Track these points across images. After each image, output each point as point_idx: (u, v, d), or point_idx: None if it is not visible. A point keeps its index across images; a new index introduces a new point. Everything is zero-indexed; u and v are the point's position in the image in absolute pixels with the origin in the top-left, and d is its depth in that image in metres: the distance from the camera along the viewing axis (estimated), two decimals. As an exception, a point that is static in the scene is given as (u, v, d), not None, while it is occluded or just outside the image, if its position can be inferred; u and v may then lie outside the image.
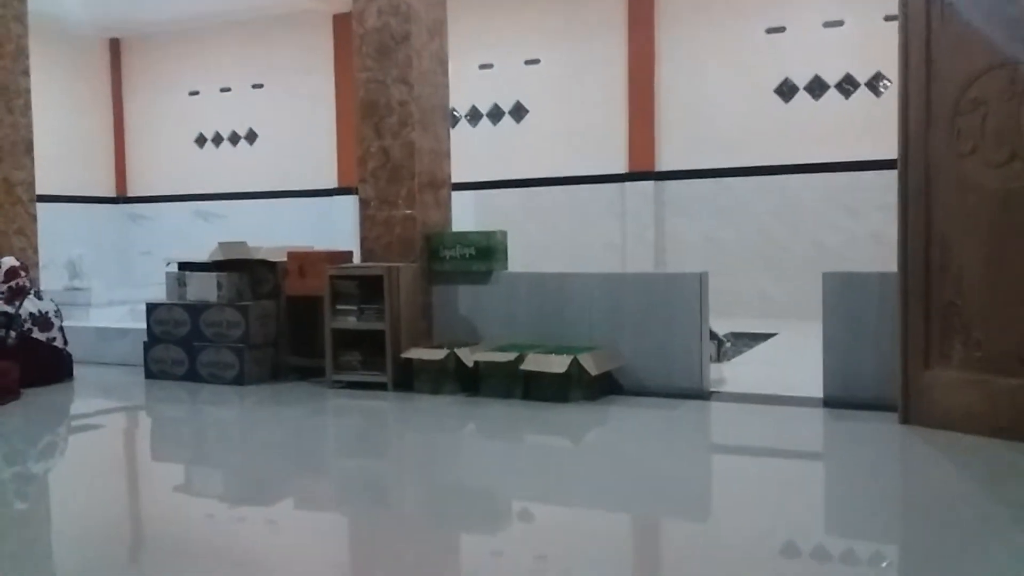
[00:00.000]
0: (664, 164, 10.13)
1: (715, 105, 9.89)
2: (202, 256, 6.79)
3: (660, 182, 10.10)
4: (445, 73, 6.51)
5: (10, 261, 6.67)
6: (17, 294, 6.46)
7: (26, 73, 7.79)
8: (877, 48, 9.06)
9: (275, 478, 4.25)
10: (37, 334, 6.40)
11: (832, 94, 9.45)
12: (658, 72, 10.12)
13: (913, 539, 3.26)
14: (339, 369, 6.12)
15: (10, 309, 6.38)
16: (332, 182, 11.88)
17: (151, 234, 13.01)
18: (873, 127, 8.97)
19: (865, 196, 9.10)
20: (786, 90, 9.62)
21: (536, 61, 10.79)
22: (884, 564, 2.92)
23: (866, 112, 9.23)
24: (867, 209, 9.07)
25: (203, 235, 11.67)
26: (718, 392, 5.59)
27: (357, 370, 6.11)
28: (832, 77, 9.44)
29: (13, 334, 6.32)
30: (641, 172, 10.15)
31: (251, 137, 12.48)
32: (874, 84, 9.26)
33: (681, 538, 3.29)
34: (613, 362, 5.64)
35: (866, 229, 9.06)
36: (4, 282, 6.51)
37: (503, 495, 3.93)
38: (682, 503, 3.65)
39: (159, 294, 6.89)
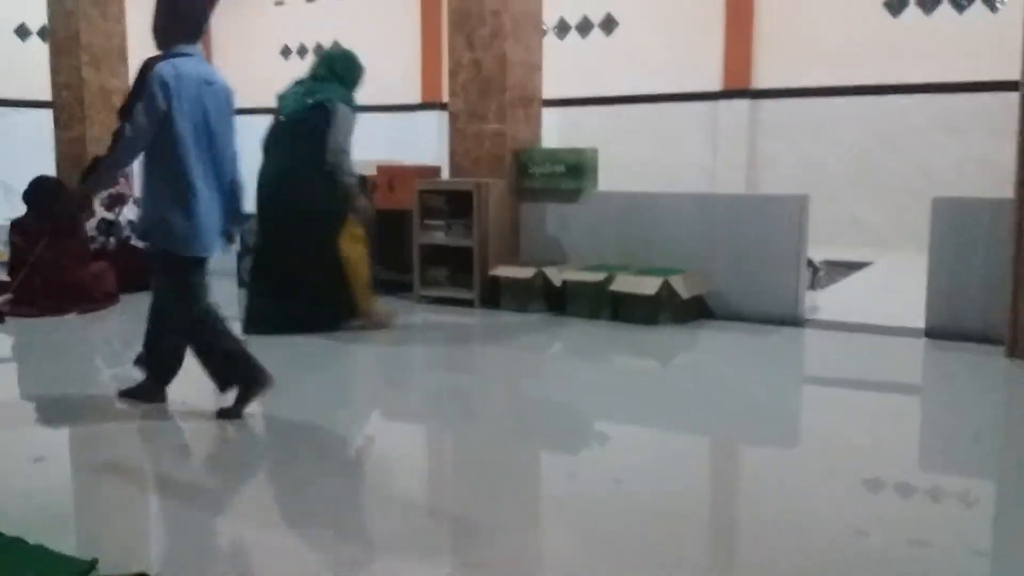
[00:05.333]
0: (760, 82, 9.72)
1: (818, 18, 9.38)
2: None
3: (756, 101, 9.72)
4: (539, -18, 6.33)
5: (110, 169, 6.83)
6: (117, 201, 6.64)
7: (120, -21, 7.84)
8: (997, -41, 8.46)
9: (363, 389, 4.32)
10: (136, 242, 6.58)
11: (945, 8, 8.87)
12: (758, -17, 9.66)
13: (1008, 478, 3.11)
14: (426, 284, 6.16)
15: (110, 216, 6.56)
16: (416, 97, 11.78)
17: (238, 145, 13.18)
18: (988, 45, 8.41)
19: (976, 118, 8.60)
20: (895, 3, 9.07)
21: (629, -29, 10.39)
22: (972, 501, 2.80)
23: (981, 29, 8.65)
24: (977, 132, 8.58)
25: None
26: (813, 319, 5.44)
27: (444, 285, 6.14)
28: (946, -10, 8.86)
29: (113, 240, 6.51)
30: (736, 90, 9.77)
31: (336, 50, 12.43)
32: (991, -1, 8.66)
33: (763, 466, 3.22)
34: (704, 286, 5.52)
35: (976, 153, 8.58)
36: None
37: (586, 414, 3.92)
38: (769, 430, 3.58)
39: (249, 205, 6.96)
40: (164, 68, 3.37)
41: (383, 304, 5.45)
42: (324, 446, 3.46)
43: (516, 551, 2.49)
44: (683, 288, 5.32)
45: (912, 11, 8.99)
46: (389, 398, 4.33)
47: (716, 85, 9.92)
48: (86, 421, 3.67)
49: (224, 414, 3.55)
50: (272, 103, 5.54)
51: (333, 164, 5.01)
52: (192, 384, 4.35)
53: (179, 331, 3.65)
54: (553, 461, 3.35)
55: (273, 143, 5.16)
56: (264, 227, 5.18)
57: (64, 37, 7.58)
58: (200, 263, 3.60)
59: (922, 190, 7.65)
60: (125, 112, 3.42)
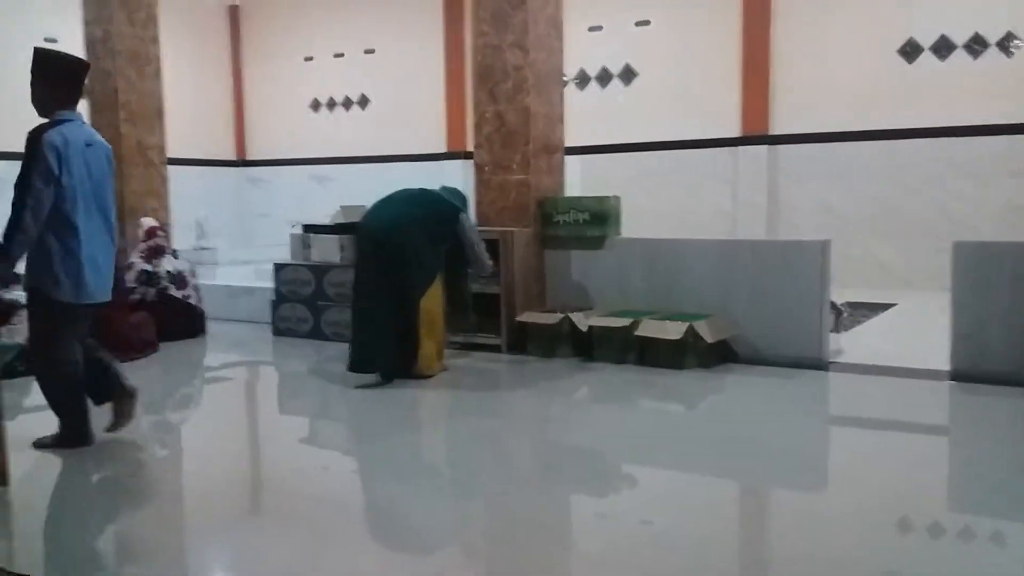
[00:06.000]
0: (779, 128, 9.87)
1: (834, 65, 9.54)
2: (325, 219, 7.03)
3: (774, 146, 9.86)
4: (559, 37, 6.52)
5: (149, 221, 7.07)
6: (155, 253, 6.83)
7: (155, 40, 8.10)
8: (1008, 6, 8.58)
9: (391, 433, 4.41)
10: (173, 292, 6.77)
11: (959, 55, 9.00)
12: (774, 31, 9.84)
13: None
14: (455, 330, 6.27)
15: (149, 267, 6.75)
16: (441, 146, 12.02)
17: (268, 196, 13.48)
18: (1005, 88, 8.54)
19: (993, 161, 8.67)
20: (910, 50, 9.22)
21: (647, 22, 10.62)
22: (1002, 542, 2.84)
23: (996, 73, 8.77)
24: (996, 175, 8.65)
25: (317, 198, 12.03)
26: (837, 362, 5.49)
27: (472, 332, 6.25)
28: (960, 37, 8.98)
29: (152, 291, 6.69)
30: (754, 136, 9.92)
31: (363, 102, 12.72)
32: (1005, 44, 8.77)
33: (791, 509, 3.27)
34: (729, 330, 5.60)
35: (995, 196, 8.64)
36: (143, 241, 6.89)
37: (613, 458, 4.00)
38: (796, 473, 3.63)
39: (280, 254, 7.17)
40: (53, 136, 3.70)
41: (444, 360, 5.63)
42: (342, 489, 3.56)
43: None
44: (708, 333, 5.41)
45: (927, 57, 9.13)
46: (417, 441, 4.42)
47: (735, 131, 10.07)
48: (121, 466, 3.80)
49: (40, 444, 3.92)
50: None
51: (473, 257, 5.48)
52: (219, 439, 4.48)
53: (47, 373, 3.90)
54: (582, 502, 3.43)
55: (400, 194, 5.50)
56: (368, 269, 5.30)
57: (103, 95, 7.86)
58: (83, 310, 3.85)
59: (942, 232, 7.73)
60: (22, 182, 3.65)
